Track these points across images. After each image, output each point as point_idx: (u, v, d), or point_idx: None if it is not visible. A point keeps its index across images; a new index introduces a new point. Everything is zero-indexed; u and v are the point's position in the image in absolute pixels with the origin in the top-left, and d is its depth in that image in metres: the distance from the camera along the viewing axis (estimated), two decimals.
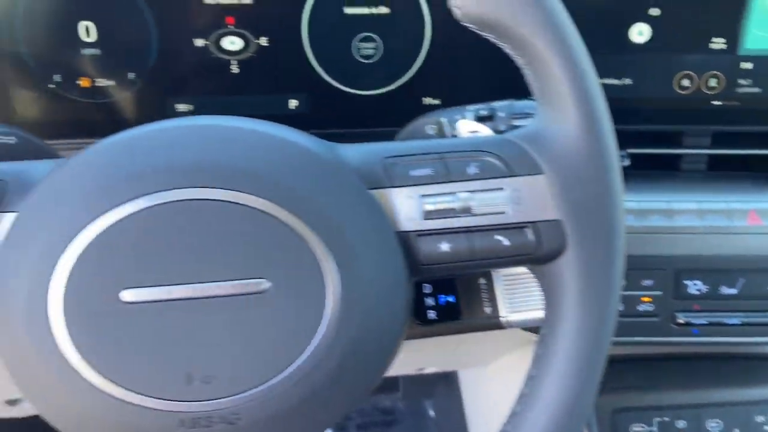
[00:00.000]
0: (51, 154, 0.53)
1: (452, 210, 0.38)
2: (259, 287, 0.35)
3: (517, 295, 0.54)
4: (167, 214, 0.34)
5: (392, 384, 1.33)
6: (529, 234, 0.38)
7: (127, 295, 0.34)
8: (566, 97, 0.38)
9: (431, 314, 0.55)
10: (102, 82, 0.60)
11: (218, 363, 0.35)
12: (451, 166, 0.39)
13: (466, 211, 0.38)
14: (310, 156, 0.37)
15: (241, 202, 0.35)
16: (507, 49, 0.39)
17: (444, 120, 0.53)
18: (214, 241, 0.35)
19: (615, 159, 0.39)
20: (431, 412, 1.35)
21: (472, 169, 0.39)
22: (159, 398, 0.34)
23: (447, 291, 0.55)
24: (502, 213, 0.38)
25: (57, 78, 0.59)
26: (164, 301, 0.34)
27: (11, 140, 0.50)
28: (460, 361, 0.99)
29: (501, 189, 0.38)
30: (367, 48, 0.62)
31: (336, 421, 0.39)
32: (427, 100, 0.66)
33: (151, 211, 0.34)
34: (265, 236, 0.35)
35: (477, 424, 1.13)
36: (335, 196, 0.37)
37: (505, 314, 0.54)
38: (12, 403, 0.83)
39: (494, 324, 0.54)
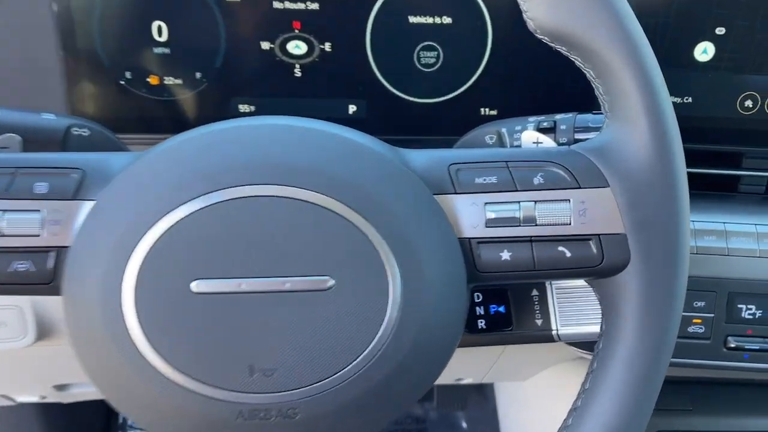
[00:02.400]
0: (121, 148, 0.55)
1: (515, 219, 0.38)
2: (324, 284, 0.35)
3: (571, 309, 0.53)
4: (238, 209, 0.35)
5: (426, 393, 1.33)
6: (593, 247, 0.38)
7: (197, 286, 0.35)
8: (637, 112, 0.37)
9: (481, 323, 0.55)
10: (170, 80, 0.62)
11: (280, 357, 0.35)
12: (516, 175, 0.39)
13: (530, 221, 0.38)
14: (377, 158, 0.38)
15: (309, 200, 0.36)
16: (578, 61, 0.39)
17: (504, 130, 0.53)
18: (282, 237, 0.35)
19: (684, 178, 0.39)
20: (464, 424, 1.34)
21: (537, 179, 0.39)
22: (221, 388, 0.35)
23: (498, 301, 0.55)
24: (566, 224, 0.38)
25: (128, 75, 0.61)
26: (232, 294, 0.35)
27: (85, 132, 0.52)
28: (500, 374, 0.98)
29: (566, 200, 0.38)
30: (428, 57, 0.63)
31: (390, 421, 0.39)
32: (484, 111, 0.66)
33: (223, 206, 0.36)
34: (331, 234, 0.36)
35: None
36: (401, 199, 0.37)
37: (557, 327, 0.54)
38: (60, 388, 0.85)
39: (545, 336, 0.54)
